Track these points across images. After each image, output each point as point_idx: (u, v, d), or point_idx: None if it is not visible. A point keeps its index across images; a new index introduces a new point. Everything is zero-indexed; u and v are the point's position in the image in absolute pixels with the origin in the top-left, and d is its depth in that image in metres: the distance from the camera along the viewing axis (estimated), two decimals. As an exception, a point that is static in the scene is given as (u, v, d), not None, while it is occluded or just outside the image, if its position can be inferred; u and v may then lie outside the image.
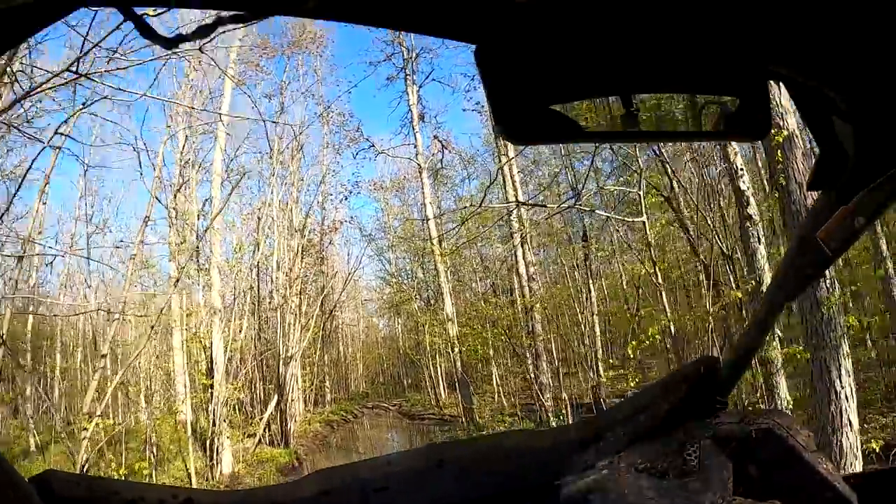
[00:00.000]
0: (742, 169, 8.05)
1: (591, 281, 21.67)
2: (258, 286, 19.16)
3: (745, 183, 7.90)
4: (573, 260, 22.52)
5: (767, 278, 8.16)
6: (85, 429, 6.58)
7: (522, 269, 17.63)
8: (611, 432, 1.40)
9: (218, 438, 12.30)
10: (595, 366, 19.41)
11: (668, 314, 9.88)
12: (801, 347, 6.88)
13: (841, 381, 5.75)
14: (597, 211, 11.99)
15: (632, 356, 9.58)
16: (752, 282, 8.54)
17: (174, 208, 14.51)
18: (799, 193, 5.89)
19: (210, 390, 12.55)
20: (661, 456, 1.31)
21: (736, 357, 1.44)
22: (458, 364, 19.88)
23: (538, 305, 16.91)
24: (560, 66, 0.72)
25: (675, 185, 10.01)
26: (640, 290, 21.49)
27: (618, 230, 21.52)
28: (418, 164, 21.80)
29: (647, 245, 10.22)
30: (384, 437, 23.39)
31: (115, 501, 0.95)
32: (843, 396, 5.71)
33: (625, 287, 22.49)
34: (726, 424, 1.35)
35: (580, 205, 9.45)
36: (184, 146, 16.31)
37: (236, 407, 17.17)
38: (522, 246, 17.82)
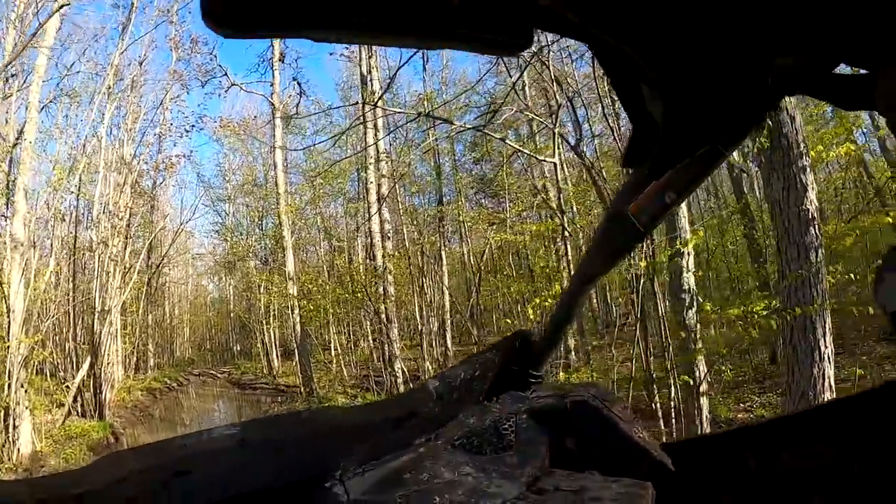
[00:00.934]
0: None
1: (443, 249, 21.04)
2: (75, 219, 15.68)
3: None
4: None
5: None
6: None
7: (376, 227, 15.98)
8: (427, 408, 1.32)
9: (15, 408, 9.28)
10: (443, 339, 18.89)
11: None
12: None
13: (825, 341, 5.31)
14: (506, 141, 10.57)
15: (532, 317, 8.39)
16: (679, 244, 7.90)
17: None
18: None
19: (5, 345, 9.49)
20: (477, 431, 1.22)
21: (549, 331, 1.43)
22: (298, 328, 17.95)
23: (390, 266, 15.47)
24: None
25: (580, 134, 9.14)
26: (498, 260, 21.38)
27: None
28: (272, 105, 19.29)
29: (557, 191, 8.95)
30: (212, 408, 21.33)
31: None
32: (826, 357, 5.30)
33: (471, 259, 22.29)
34: (542, 398, 1.32)
35: (487, 126, 8.03)
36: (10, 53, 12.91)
37: (42, 370, 14.05)
38: (379, 202, 16.17)
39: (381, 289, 15.04)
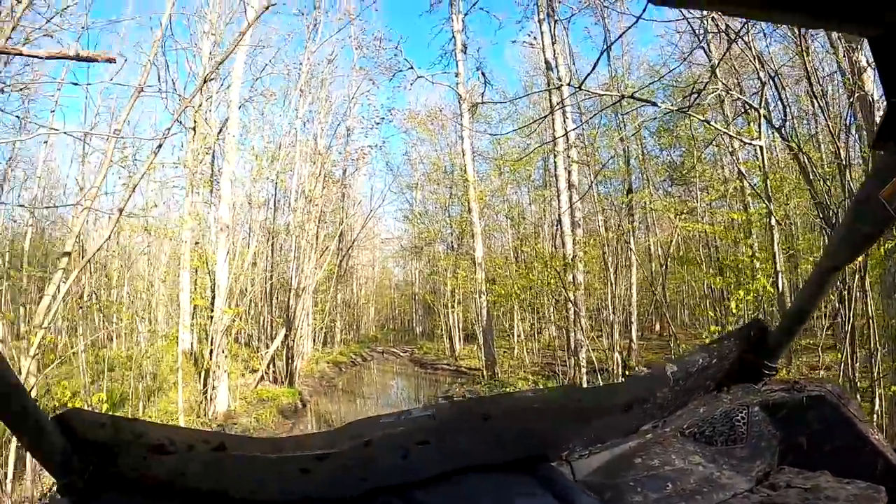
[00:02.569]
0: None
1: (632, 239, 20.06)
2: (273, 205, 17.45)
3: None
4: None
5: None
6: (34, 346, 4.99)
7: (566, 219, 15.63)
8: (658, 395, 1.30)
9: (215, 371, 10.67)
10: (628, 329, 18.06)
11: (780, 265, 7.95)
12: None
13: None
14: (711, 123, 9.68)
15: (735, 311, 7.75)
16: None
17: (194, 118, 13.06)
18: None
19: (209, 315, 10.90)
20: (708, 421, 1.31)
21: (787, 322, 1.40)
22: (484, 312, 18.16)
23: (580, 253, 15.04)
24: None
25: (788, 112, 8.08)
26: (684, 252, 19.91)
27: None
28: (458, 95, 19.63)
29: (764, 177, 8.12)
30: (395, 384, 22.24)
31: (139, 444, 0.87)
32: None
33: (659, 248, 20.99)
34: (776, 391, 1.35)
35: (687, 108, 7.39)
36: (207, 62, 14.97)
37: (240, 339, 15.80)
38: (570, 189, 15.81)
39: (570, 277, 14.79)
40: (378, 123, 22.92)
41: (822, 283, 1.28)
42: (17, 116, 9.67)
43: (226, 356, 11.06)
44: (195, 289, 11.94)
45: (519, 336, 21.74)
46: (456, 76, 19.75)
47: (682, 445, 1.26)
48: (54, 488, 0.85)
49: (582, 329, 14.48)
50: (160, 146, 4.57)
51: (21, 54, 4.29)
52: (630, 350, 17.22)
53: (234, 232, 13.16)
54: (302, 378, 17.14)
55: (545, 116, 13.52)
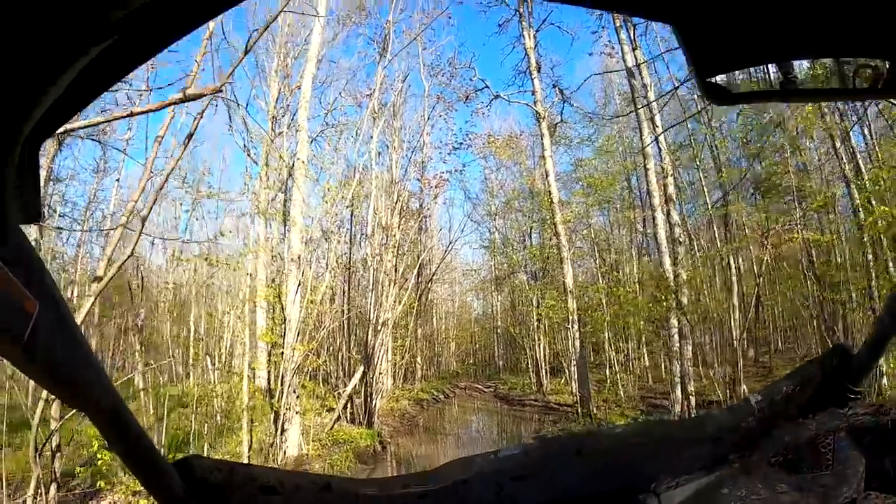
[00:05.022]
0: None
1: (732, 253, 18.39)
2: (349, 238, 16.90)
3: None
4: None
5: None
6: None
7: (662, 233, 14.18)
8: (747, 423, 1.34)
9: (285, 413, 9.88)
10: (735, 357, 16.29)
11: None
12: None
13: None
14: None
15: None
16: None
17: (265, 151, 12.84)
18: None
19: (280, 353, 10.20)
20: (793, 449, 1.30)
21: (871, 344, 1.36)
22: (577, 344, 16.79)
23: (684, 274, 13.63)
24: (747, 34, 0.74)
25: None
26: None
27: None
28: (537, 113, 18.67)
29: None
30: (480, 422, 20.93)
31: (251, 487, 0.94)
32: None
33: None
34: (861, 415, 1.35)
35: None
36: (276, 99, 15.45)
37: (316, 376, 15.20)
38: (668, 203, 14.43)
39: (672, 301, 13.38)
40: (456, 148, 22.22)
41: None
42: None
43: (297, 396, 10.31)
44: (271, 324, 11.34)
45: (612, 367, 20.30)
46: (532, 94, 18.88)
47: (767, 474, 1.26)
48: None
49: (685, 358, 13.19)
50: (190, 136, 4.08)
51: (142, 113, 4.21)
52: (736, 380, 15.50)
53: (308, 266, 12.51)
54: (382, 417, 16.27)
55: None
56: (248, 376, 11.11)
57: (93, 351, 0.65)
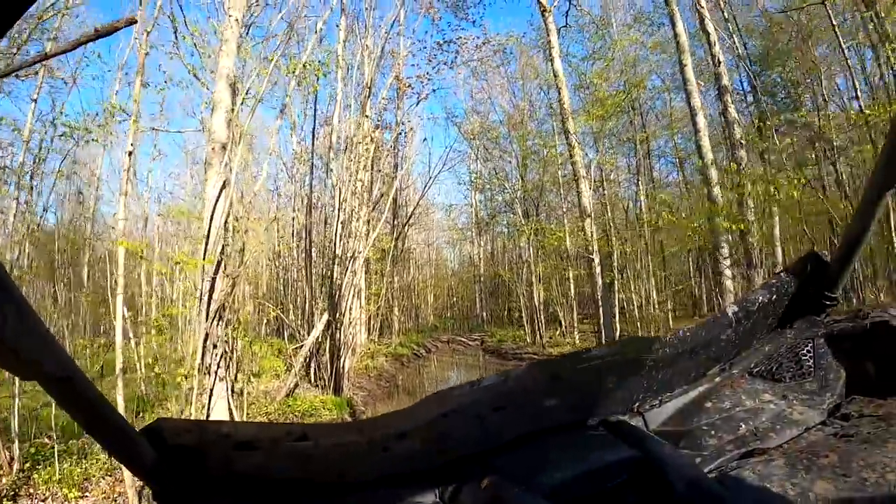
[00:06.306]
0: None
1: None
2: (314, 131, 13.08)
3: None
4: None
5: None
6: None
7: (704, 139, 10.76)
8: (721, 337, 1.31)
9: (202, 377, 6.16)
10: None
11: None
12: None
13: None
14: None
15: None
16: None
17: None
18: None
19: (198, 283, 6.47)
20: (774, 358, 1.30)
21: (843, 250, 1.36)
22: (599, 280, 13.39)
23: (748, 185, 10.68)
24: None
25: None
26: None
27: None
28: (541, 6, 14.86)
29: None
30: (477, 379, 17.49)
31: (225, 445, 0.89)
32: None
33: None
34: (840, 321, 1.33)
35: None
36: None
37: (281, 333, 11.68)
38: (723, 97, 11.06)
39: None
40: (437, 55, 18.13)
41: (873, 207, 1.22)
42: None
43: (224, 353, 6.63)
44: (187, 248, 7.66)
45: (637, 303, 18.10)
46: (535, -10, 15.11)
47: (751, 385, 1.24)
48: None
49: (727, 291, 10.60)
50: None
51: (48, 57, 3.86)
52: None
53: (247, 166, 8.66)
54: (355, 378, 12.73)
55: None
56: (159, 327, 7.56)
57: (41, 318, 0.59)
